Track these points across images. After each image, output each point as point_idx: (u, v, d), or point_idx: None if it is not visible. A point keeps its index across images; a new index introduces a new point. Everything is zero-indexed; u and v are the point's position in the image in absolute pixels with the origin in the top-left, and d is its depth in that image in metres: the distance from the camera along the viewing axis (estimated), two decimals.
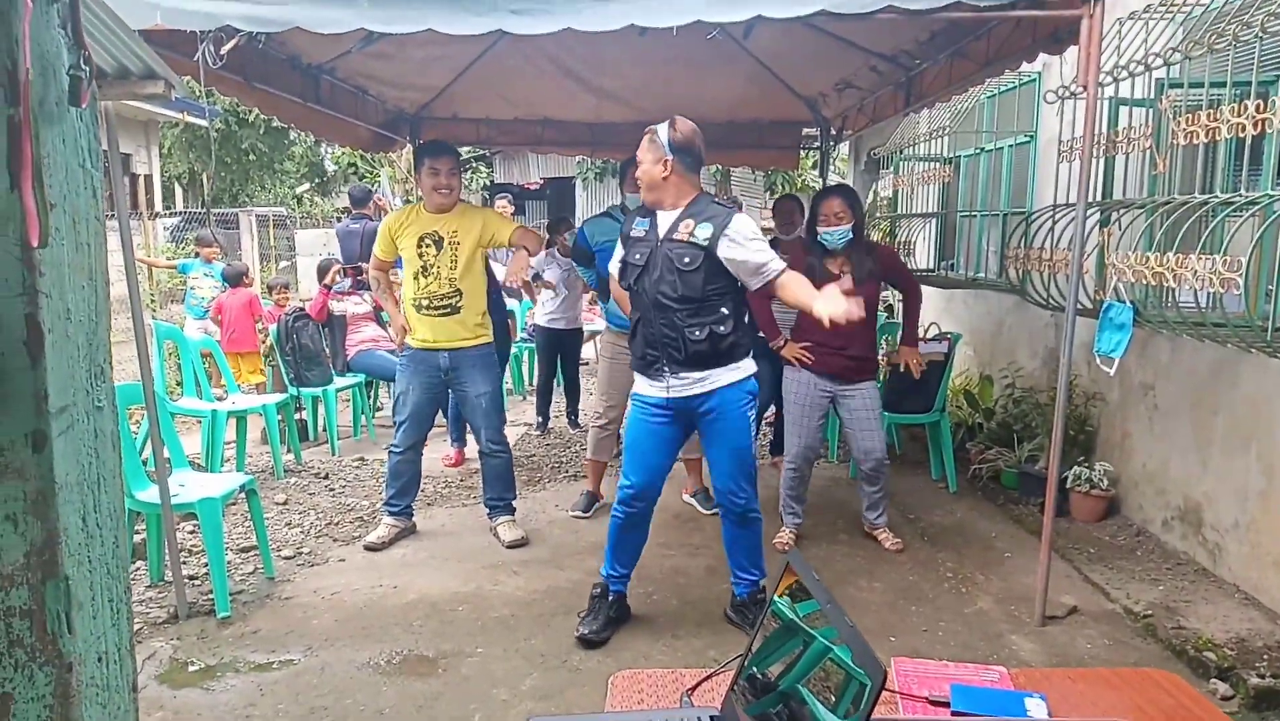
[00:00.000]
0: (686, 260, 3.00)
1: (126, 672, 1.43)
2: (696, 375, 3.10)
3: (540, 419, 6.50)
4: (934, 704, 1.25)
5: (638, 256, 3.10)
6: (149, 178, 16.81)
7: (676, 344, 3.06)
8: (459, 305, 4.05)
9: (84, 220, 1.38)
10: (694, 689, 1.28)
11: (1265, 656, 3.08)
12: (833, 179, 7.23)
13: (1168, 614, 3.43)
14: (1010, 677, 1.31)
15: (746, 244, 3.01)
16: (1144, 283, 3.34)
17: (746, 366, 3.17)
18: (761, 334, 5.07)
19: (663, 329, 3.06)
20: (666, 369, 3.10)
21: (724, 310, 3.06)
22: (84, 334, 1.37)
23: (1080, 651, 3.24)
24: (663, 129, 3.07)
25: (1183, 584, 3.72)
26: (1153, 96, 3.61)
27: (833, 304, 2.77)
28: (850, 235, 3.89)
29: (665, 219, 3.10)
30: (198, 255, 7.96)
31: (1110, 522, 4.46)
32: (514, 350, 7.87)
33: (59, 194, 1.29)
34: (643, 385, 3.22)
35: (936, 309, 7.07)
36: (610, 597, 3.33)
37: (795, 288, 2.99)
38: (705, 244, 2.99)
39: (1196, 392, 3.90)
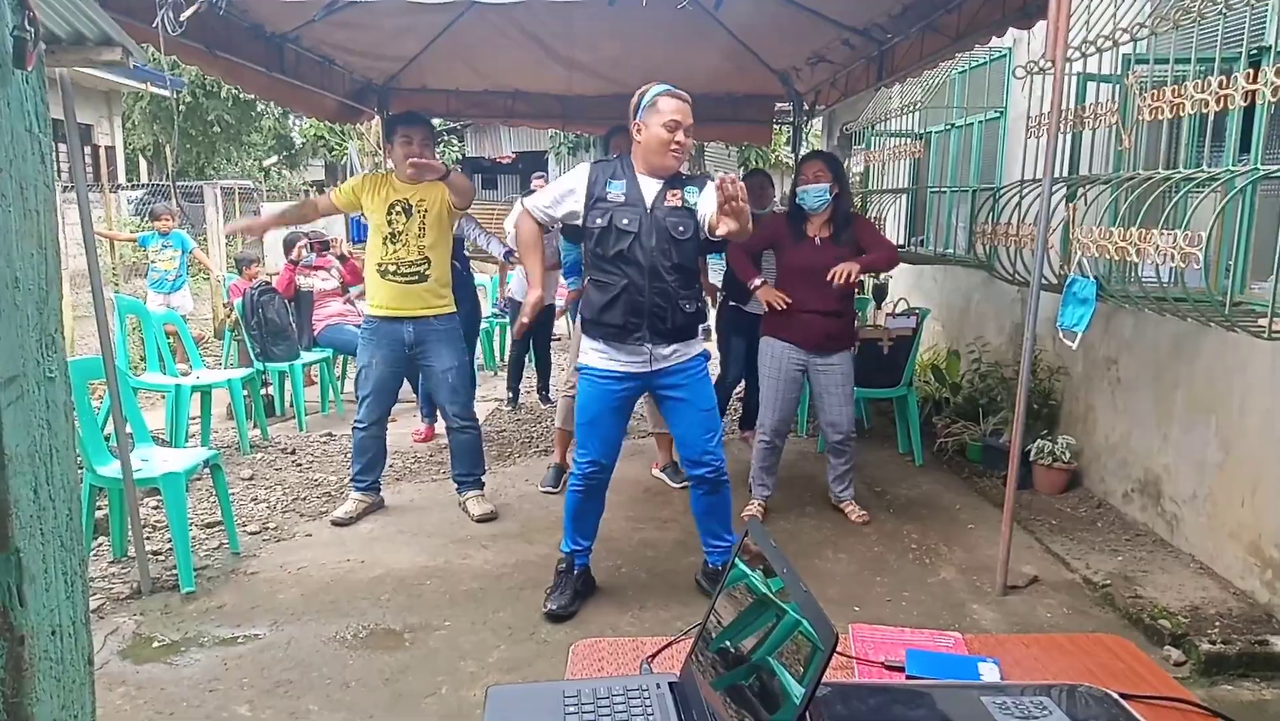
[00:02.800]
0: (681, 229, 3.02)
1: (82, 646, 1.42)
2: (675, 347, 3.13)
3: (511, 394, 6.48)
4: (889, 668, 1.27)
5: (625, 222, 3.00)
6: (111, 149, 16.46)
7: (665, 314, 3.04)
8: (426, 273, 4.01)
9: (31, 186, 1.34)
10: (653, 656, 1.29)
11: (1217, 624, 3.16)
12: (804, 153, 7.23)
13: (1125, 583, 3.51)
14: (964, 643, 1.34)
15: (708, 196, 3.03)
16: (1107, 257, 3.38)
17: (700, 340, 3.26)
18: (741, 305, 5.10)
19: (655, 298, 3.02)
20: (649, 340, 3.08)
21: (698, 284, 3.18)
22: (33, 302, 1.34)
23: (1040, 620, 3.31)
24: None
25: (1141, 554, 3.80)
26: (1119, 72, 3.63)
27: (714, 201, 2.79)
28: (827, 196, 3.89)
29: (649, 186, 3.04)
30: (154, 228, 7.82)
31: (1072, 495, 4.54)
32: (485, 325, 7.84)
33: (4, 159, 1.25)
34: (608, 358, 3.13)
35: (906, 285, 7.12)
36: (575, 571, 3.34)
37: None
38: (695, 207, 3.03)
39: (1158, 367, 3.96)
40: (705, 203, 3.00)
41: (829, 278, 3.83)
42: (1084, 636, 1.31)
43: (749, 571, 1.12)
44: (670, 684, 1.17)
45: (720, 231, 2.84)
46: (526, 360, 6.62)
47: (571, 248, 4.67)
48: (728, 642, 1.09)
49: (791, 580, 1.00)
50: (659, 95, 2.99)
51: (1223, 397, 3.54)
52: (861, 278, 5.57)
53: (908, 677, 1.23)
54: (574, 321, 4.73)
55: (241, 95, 17.80)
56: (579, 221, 3.12)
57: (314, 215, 4.28)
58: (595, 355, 3.17)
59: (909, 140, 6.61)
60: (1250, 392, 3.39)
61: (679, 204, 3.03)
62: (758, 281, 4.10)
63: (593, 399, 3.19)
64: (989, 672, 1.21)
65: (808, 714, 0.89)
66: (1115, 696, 1.09)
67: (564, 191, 3.15)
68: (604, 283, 3.08)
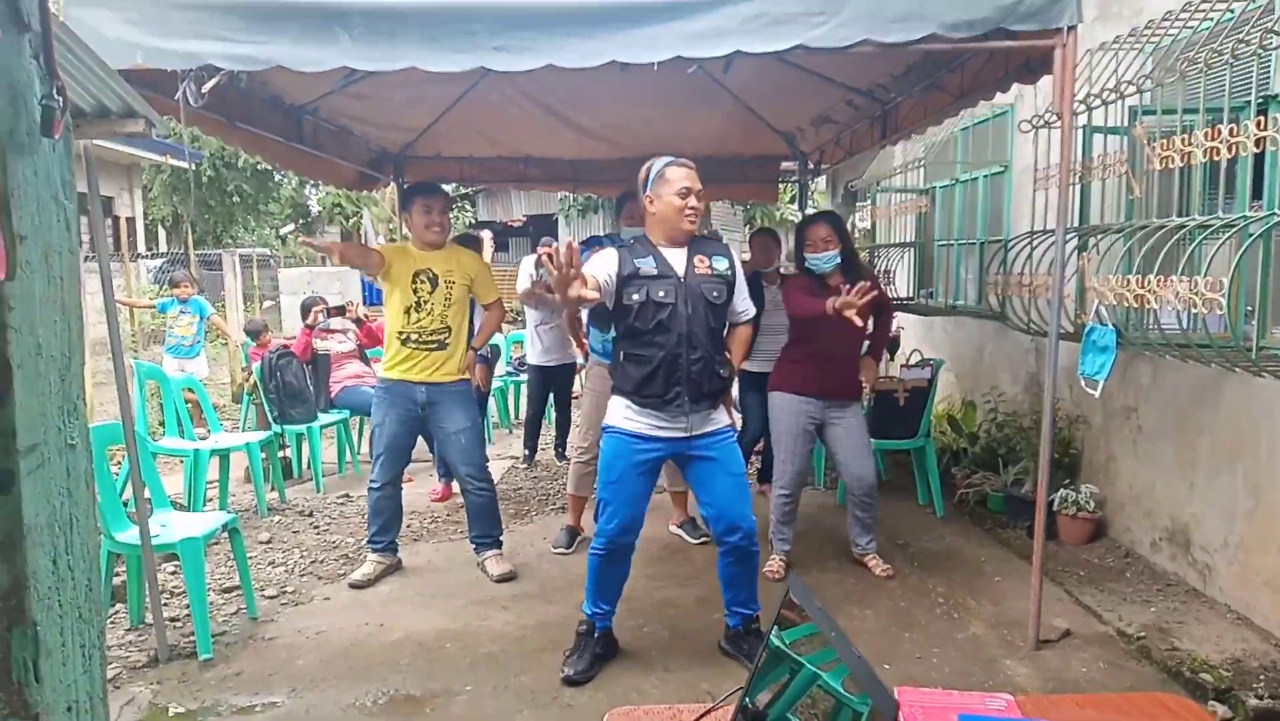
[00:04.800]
0: (715, 294, 3.07)
1: None
2: (709, 412, 3.14)
3: (527, 451, 6.46)
4: None
5: (662, 294, 3.01)
6: (131, 220, 16.76)
7: (701, 380, 3.05)
8: (447, 341, 4.06)
9: (56, 253, 1.36)
10: None
11: (1262, 677, 3.06)
12: (811, 211, 7.29)
13: (1161, 635, 3.42)
14: (1017, 705, 1.29)
15: (740, 280, 3.21)
16: (1125, 305, 3.36)
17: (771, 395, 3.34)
18: (748, 366, 5.07)
19: (693, 366, 3.03)
20: (688, 407, 3.07)
21: (727, 351, 3.21)
22: (56, 370, 1.35)
23: (1075, 675, 3.21)
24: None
25: (1174, 605, 3.71)
26: (1126, 124, 3.66)
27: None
28: (839, 260, 3.90)
29: (676, 256, 3.08)
30: (173, 295, 7.93)
31: (1098, 545, 4.45)
32: (499, 384, 7.85)
33: (29, 226, 1.27)
34: (645, 423, 3.09)
35: (918, 336, 7.10)
36: (596, 635, 3.28)
37: (739, 344, 3.31)
38: (728, 274, 3.12)
39: (1180, 414, 3.91)
40: (739, 279, 3.19)
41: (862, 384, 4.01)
42: (1141, 695, 1.27)
43: (796, 635, 1.08)
44: None
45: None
46: (544, 420, 6.60)
47: (599, 335, 4.60)
48: (775, 711, 1.06)
49: (842, 645, 0.97)
50: (666, 166, 3.08)
51: (1249, 444, 3.48)
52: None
53: None
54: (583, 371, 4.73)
55: (260, 166, 18.22)
56: (610, 303, 3.09)
57: (368, 262, 4.15)
58: (625, 418, 3.13)
59: (914, 195, 6.66)
60: (1277, 438, 3.33)
61: (709, 271, 3.09)
62: (828, 304, 3.73)
63: (619, 457, 3.13)
64: None
65: None
66: None
67: (599, 273, 3.09)
68: (642, 356, 3.05)
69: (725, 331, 3.21)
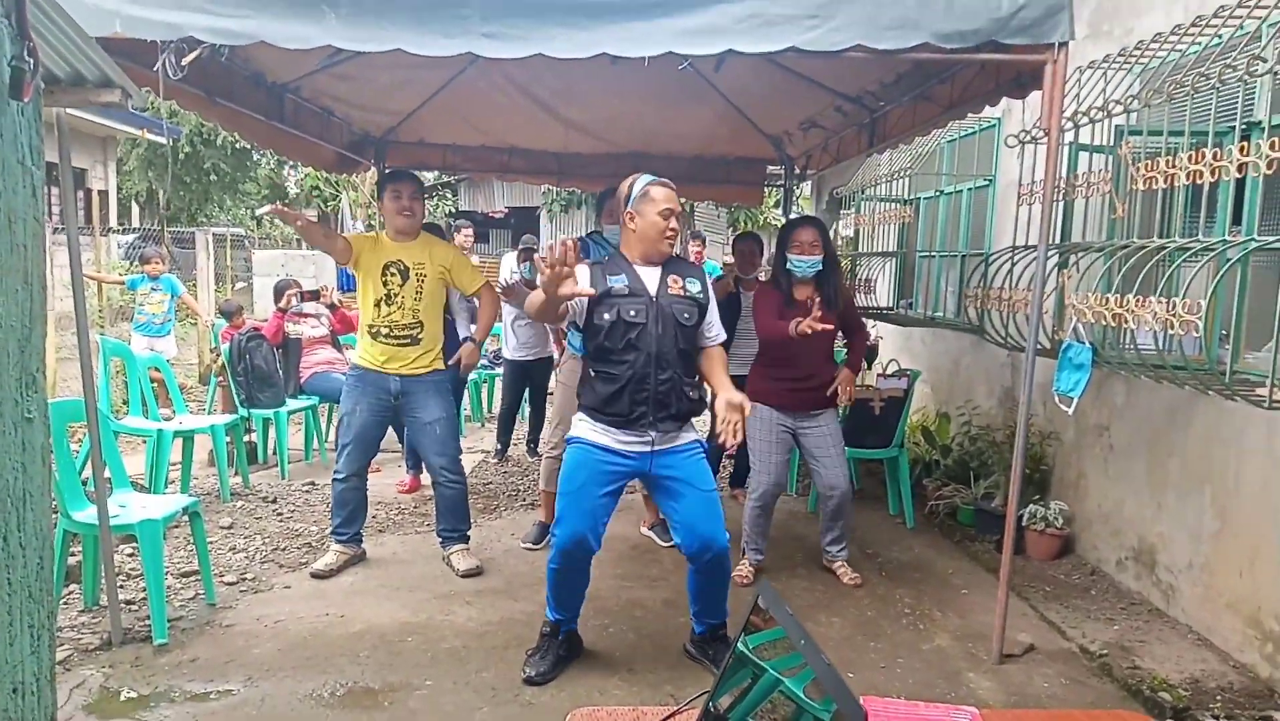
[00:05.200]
0: (687, 315, 3.04)
1: (45, 705, 1.34)
2: (675, 430, 3.10)
3: (499, 446, 6.41)
4: None
5: (633, 313, 2.97)
6: (104, 193, 16.49)
7: (668, 400, 3.01)
8: (419, 336, 4.00)
9: (21, 220, 1.31)
10: None
11: (1219, 697, 3.09)
12: (796, 215, 7.30)
13: (1123, 653, 3.44)
14: (983, 719, 1.28)
15: (713, 302, 3.19)
16: (1103, 324, 3.38)
17: (696, 424, 3.24)
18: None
19: (660, 385, 2.99)
20: (653, 425, 3.03)
21: (698, 373, 3.18)
22: (15, 340, 1.29)
23: (1038, 690, 3.22)
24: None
25: (1137, 623, 3.74)
26: (1112, 143, 3.68)
27: (730, 403, 2.92)
28: (821, 266, 3.90)
29: (649, 274, 3.04)
30: (143, 271, 7.79)
31: (1065, 561, 4.48)
32: (474, 376, 7.79)
33: None
34: (610, 436, 3.05)
35: (895, 346, 7.14)
36: (560, 636, 3.24)
37: (718, 363, 3.17)
38: (700, 297, 3.09)
39: (1152, 434, 3.95)
40: (711, 302, 3.15)
41: (831, 393, 4.03)
42: (1104, 713, 1.26)
43: (762, 640, 1.06)
44: None
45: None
46: (519, 415, 6.55)
47: (578, 331, 4.56)
48: (740, 715, 1.03)
49: (811, 651, 0.95)
50: (649, 185, 3.04)
51: (1218, 467, 3.52)
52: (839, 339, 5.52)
53: None
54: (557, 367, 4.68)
55: (239, 144, 17.98)
56: (580, 320, 3.07)
57: (333, 247, 4.07)
58: (590, 430, 3.07)
59: (898, 205, 6.68)
60: (1246, 462, 3.37)
61: (681, 292, 3.05)
62: (793, 325, 3.85)
63: (581, 468, 3.05)
64: None
65: None
66: None
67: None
68: (610, 374, 3.01)
69: (697, 354, 3.16)
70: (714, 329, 3.20)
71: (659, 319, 2.99)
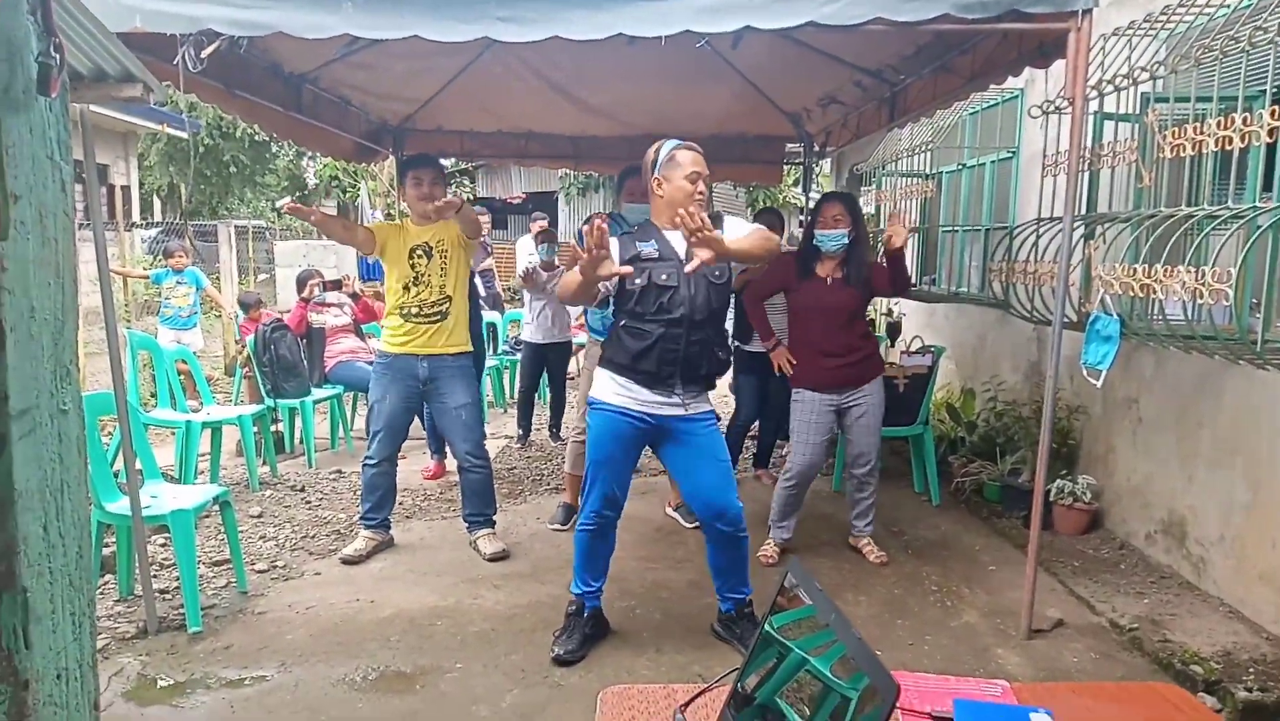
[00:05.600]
0: (717, 273, 3.03)
1: (88, 690, 1.37)
2: (699, 394, 3.12)
3: (521, 431, 6.44)
4: (936, 719, 1.20)
5: (665, 276, 2.99)
6: (126, 188, 16.62)
7: (699, 362, 3.04)
8: (448, 311, 4.03)
9: (51, 214, 1.32)
10: (687, 705, 1.23)
11: (1251, 670, 3.06)
12: (815, 194, 7.25)
13: (1153, 627, 3.42)
14: (1014, 692, 1.27)
15: (729, 227, 3.09)
16: (1130, 295, 3.34)
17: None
18: (744, 345, 5.09)
19: (690, 347, 3.01)
20: (679, 386, 3.05)
21: (726, 330, 3.19)
22: (49, 333, 1.31)
23: (1067, 664, 3.21)
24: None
25: (1167, 597, 3.71)
26: (1138, 111, 3.62)
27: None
28: (846, 241, 3.87)
29: (678, 238, 3.01)
30: (167, 265, 7.87)
31: (1093, 536, 4.45)
32: (495, 362, 7.82)
33: (24, 185, 1.23)
34: (629, 396, 3.07)
35: (919, 323, 7.08)
36: (585, 614, 3.26)
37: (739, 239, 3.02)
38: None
39: (1181, 406, 3.90)
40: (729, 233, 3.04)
41: (886, 240, 3.87)
42: (1137, 685, 1.25)
43: (789, 619, 1.06)
44: None
45: (690, 268, 2.85)
46: (538, 398, 6.58)
47: (598, 314, 4.59)
48: (770, 693, 1.03)
49: (841, 627, 0.95)
50: (675, 150, 3.03)
51: (1249, 438, 3.47)
52: (871, 317, 5.45)
53: None
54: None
55: (257, 136, 18.07)
56: (612, 294, 3.10)
57: (353, 238, 4.16)
58: (614, 392, 3.09)
59: (920, 180, 6.62)
60: (1278, 432, 3.32)
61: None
62: (771, 344, 4.20)
63: (606, 434, 3.11)
64: None
65: None
66: None
67: None
68: (642, 330, 3.03)
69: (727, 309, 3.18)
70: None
71: (690, 281, 2.99)
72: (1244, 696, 2.88)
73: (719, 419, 3.25)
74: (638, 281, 2.99)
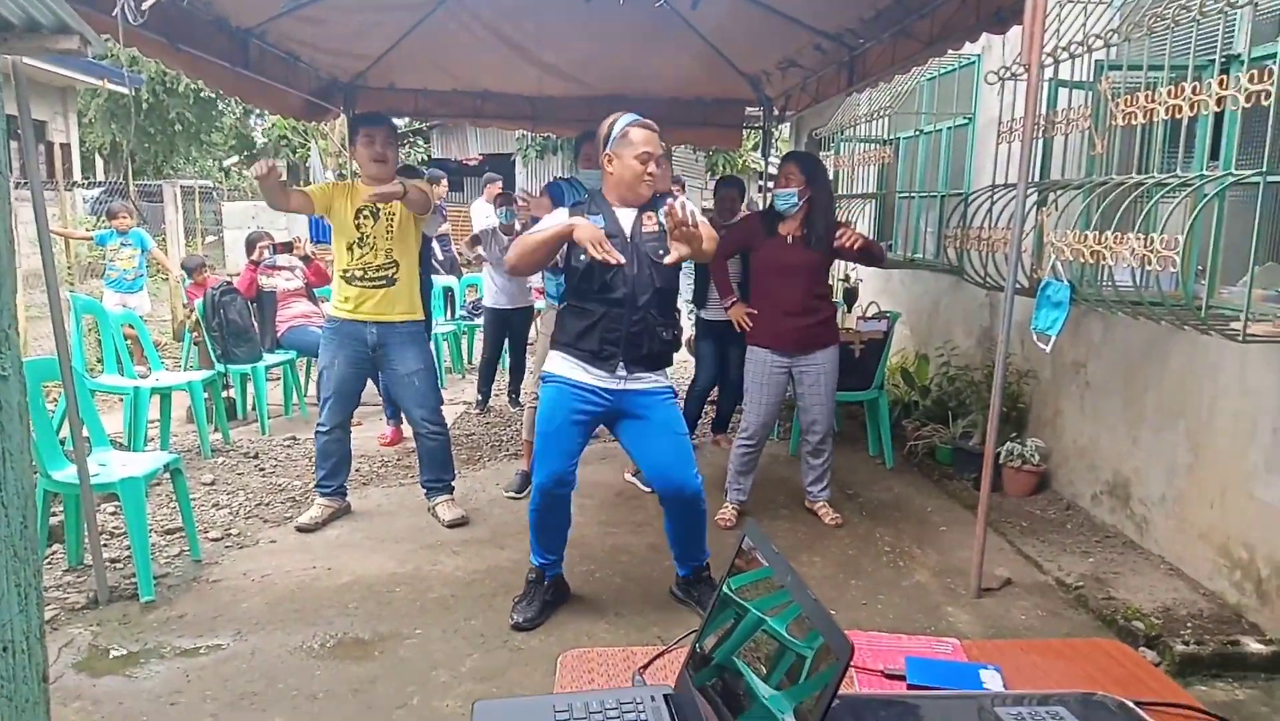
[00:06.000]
0: (661, 251, 2.97)
1: (36, 662, 1.34)
2: (646, 373, 3.07)
3: (480, 397, 6.40)
4: (889, 677, 1.23)
5: None
6: (66, 146, 16.04)
7: (641, 341, 3.00)
8: (395, 276, 3.93)
9: None
10: (645, 667, 1.24)
11: (1189, 625, 3.18)
12: (774, 157, 7.25)
13: (1098, 585, 3.53)
14: (963, 649, 1.31)
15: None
16: (1081, 261, 3.39)
17: (667, 372, 3.19)
18: (702, 312, 5.10)
19: (632, 328, 2.98)
20: (622, 364, 3.02)
21: (676, 311, 3.14)
22: None
23: (1015, 622, 3.31)
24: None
25: (1111, 556, 3.83)
26: (1092, 78, 3.66)
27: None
28: (795, 200, 3.87)
29: (626, 216, 3.01)
30: (111, 226, 7.63)
31: (1041, 497, 4.57)
32: (453, 327, 7.75)
33: None
34: (583, 372, 3.04)
35: (875, 289, 7.15)
36: (545, 582, 3.26)
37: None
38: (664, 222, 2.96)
39: (1128, 370, 4.00)
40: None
41: (842, 241, 3.82)
42: (1082, 642, 1.29)
43: (746, 580, 1.07)
44: (666, 696, 1.12)
45: (670, 260, 2.88)
46: (500, 365, 6.54)
47: (554, 279, 4.56)
48: (727, 653, 1.05)
49: (797, 588, 0.96)
50: (629, 126, 2.97)
51: (1193, 401, 3.57)
52: (848, 272, 5.48)
53: (909, 686, 1.19)
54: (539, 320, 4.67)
55: (203, 93, 17.52)
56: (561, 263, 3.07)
57: (290, 203, 3.94)
58: (564, 366, 3.07)
59: (877, 146, 6.64)
60: (1220, 396, 3.42)
61: (655, 228, 3.00)
62: (730, 301, 4.22)
63: (557, 407, 3.06)
64: (991, 680, 1.18)
65: None
66: (1130, 704, 1.06)
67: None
68: (584, 309, 3.02)
69: (677, 290, 3.15)
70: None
71: (635, 260, 2.96)
72: (1181, 650, 3.00)
73: (676, 394, 3.22)
74: (583, 258, 2.94)
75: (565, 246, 2.99)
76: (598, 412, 3.09)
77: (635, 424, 3.11)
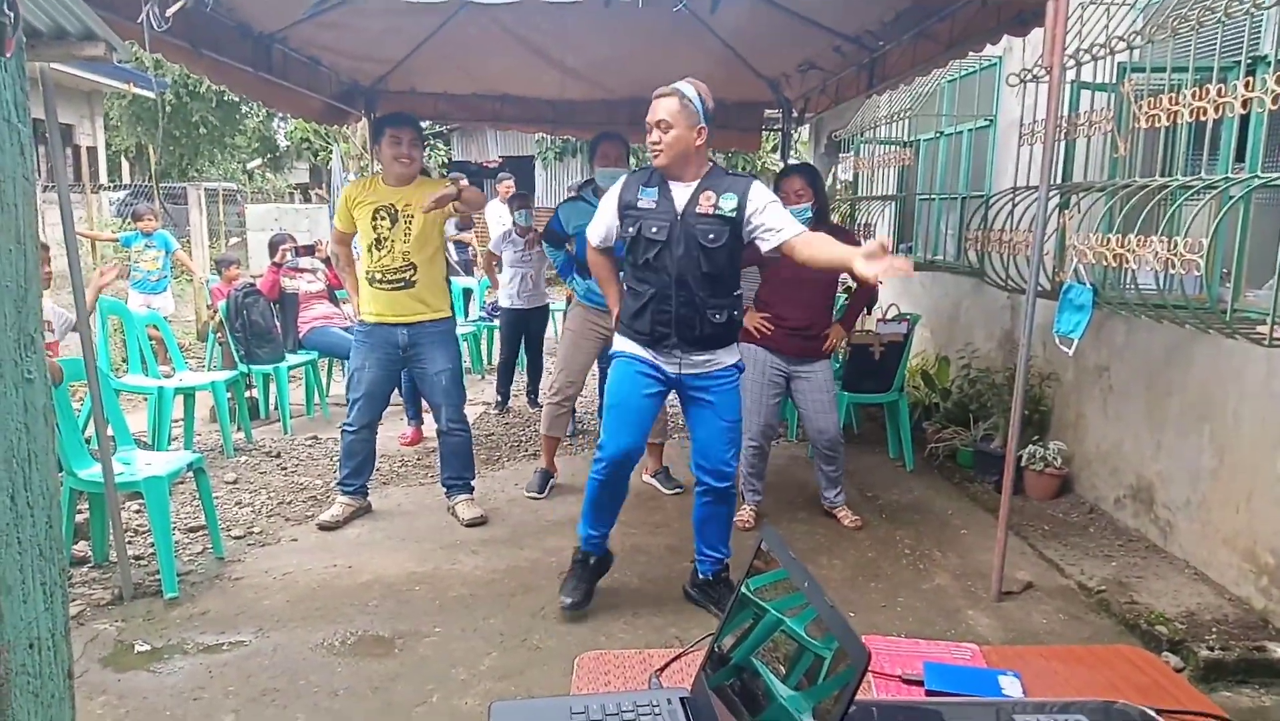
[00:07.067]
0: (711, 236, 2.90)
1: (61, 659, 1.36)
2: (705, 356, 3.06)
3: (500, 397, 6.43)
4: (907, 682, 1.23)
5: (655, 230, 2.92)
6: (93, 150, 16.26)
7: (693, 323, 2.97)
8: (413, 279, 3.96)
9: (10, 179, 1.29)
10: (663, 669, 1.25)
11: (1214, 630, 3.15)
12: (793, 161, 7.23)
13: (1120, 589, 3.49)
14: (983, 655, 1.30)
15: (767, 207, 2.90)
16: (1104, 264, 3.36)
17: (736, 348, 3.16)
18: None
19: (681, 308, 2.95)
20: (678, 348, 3.02)
21: (737, 292, 3.08)
22: (11, 301, 1.28)
23: (1036, 626, 3.28)
24: (690, 90, 2.88)
25: (1134, 560, 3.79)
26: (1114, 81, 3.63)
27: (872, 263, 2.37)
28: (809, 214, 3.86)
29: (681, 190, 2.94)
30: (136, 228, 7.73)
31: (1063, 500, 4.53)
32: (472, 329, 7.79)
33: None
34: (647, 353, 3.08)
35: (895, 291, 7.11)
36: (592, 561, 3.29)
37: (819, 245, 2.81)
38: (732, 215, 2.89)
39: (1151, 374, 3.96)
40: (753, 215, 2.88)
41: (824, 348, 4.00)
42: (1104, 648, 1.27)
43: (763, 582, 1.07)
44: (682, 699, 1.12)
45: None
46: (517, 366, 6.56)
47: (555, 253, 4.64)
48: (744, 657, 1.05)
49: (814, 593, 0.96)
50: (654, 96, 2.95)
51: (1217, 405, 3.53)
52: (850, 284, 5.52)
53: (927, 692, 1.19)
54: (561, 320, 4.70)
55: (226, 96, 17.68)
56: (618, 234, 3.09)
57: (347, 252, 4.24)
58: (627, 344, 3.12)
59: (898, 148, 6.60)
60: (1245, 400, 3.38)
61: (710, 210, 2.90)
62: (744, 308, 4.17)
63: (624, 380, 3.08)
64: (1010, 686, 1.17)
65: None
66: (1151, 713, 1.05)
67: (606, 210, 3.11)
68: (637, 290, 3.04)
69: (731, 275, 3.04)
70: (783, 230, 2.85)
71: (681, 239, 2.90)
72: (1206, 655, 2.96)
73: (742, 369, 3.19)
74: (630, 230, 2.97)
75: (619, 221, 3.03)
76: (663, 388, 3.12)
77: (692, 406, 3.15)
